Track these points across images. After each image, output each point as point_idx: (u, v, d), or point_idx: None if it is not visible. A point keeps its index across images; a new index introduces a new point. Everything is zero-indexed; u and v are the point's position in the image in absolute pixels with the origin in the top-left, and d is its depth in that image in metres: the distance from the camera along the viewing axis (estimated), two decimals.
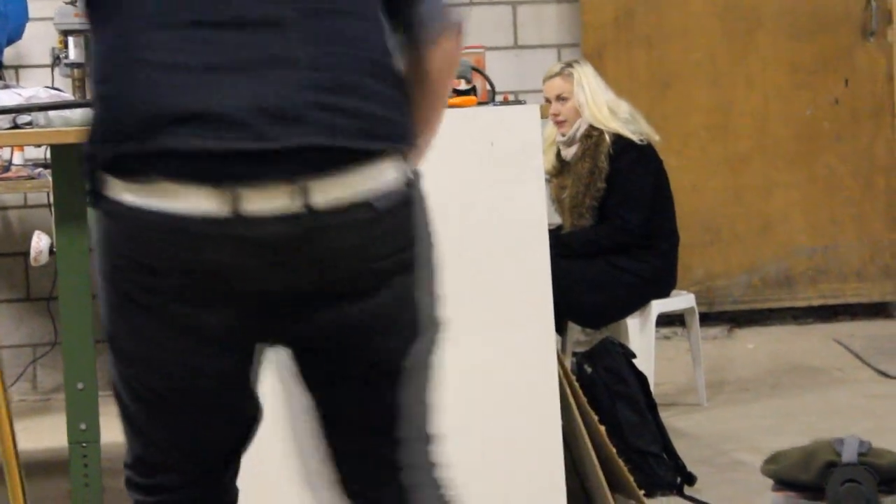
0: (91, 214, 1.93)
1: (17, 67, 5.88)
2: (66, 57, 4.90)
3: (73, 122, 3.23)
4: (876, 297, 6.46)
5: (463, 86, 3.56)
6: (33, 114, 3.35)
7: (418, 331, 1.97)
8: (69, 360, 3.35)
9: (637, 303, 4.90)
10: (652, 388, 4.36)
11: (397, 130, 1.90)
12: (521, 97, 4.47)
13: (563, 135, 5.00)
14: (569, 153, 5.00)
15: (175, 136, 1.78)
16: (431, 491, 2.04)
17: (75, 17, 4.72)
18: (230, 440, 2.02)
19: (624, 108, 4.98)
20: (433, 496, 2.04)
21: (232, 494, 2.07)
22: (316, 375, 1.97)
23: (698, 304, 5.23)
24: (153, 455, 2.00)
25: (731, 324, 6.35)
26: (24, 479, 3.27)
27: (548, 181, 4.92)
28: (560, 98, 4.99)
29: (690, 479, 4.10)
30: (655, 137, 4.99)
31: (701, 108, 6.32)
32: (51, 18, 4.98)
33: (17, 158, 4.93)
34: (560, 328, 4.83)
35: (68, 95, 3.55)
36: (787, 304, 6.42)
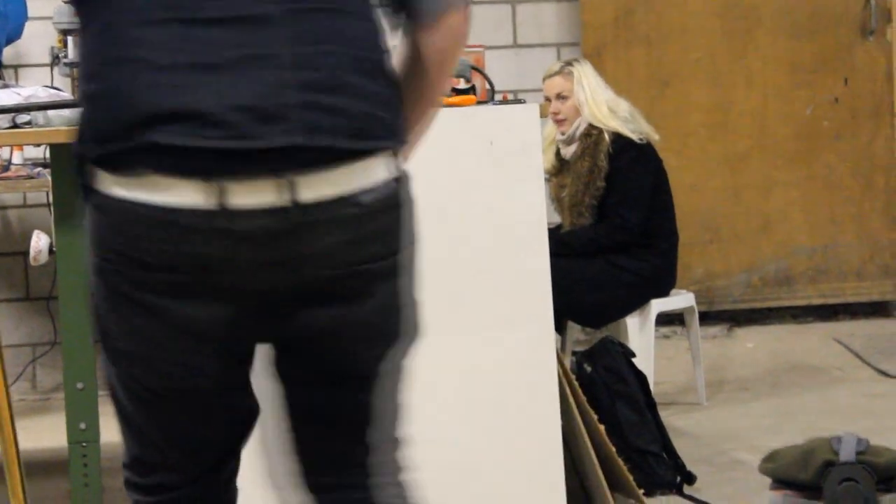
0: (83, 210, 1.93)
1: (16, 67, 5.88)
2: (66, 56, 4.90)
3: (73, 122, 3.23)
4: (875, 296, 6.46)
5: (462, 85, 3.56)
6: (32, 113, 3.35)
7: (398, 337, 1.98)
8: (69, 360, 3.34)
9: (637, 302, 4.90)
10: (651, 387, 4.36)
11: (387, 129, 1.89)
12: (520, 96, 4.47)
13: (563, 133, 5.00)
14: (568, 152, 5.00)
15: (161, 132, 1.78)
16: (396, 491, 2.04)
17: (74, 17, 4.72)
18: (226, 437, 2.01)
19: (623, 107, 4.98)
20: (398, 498, 2.04)
21: (232, 493, 2.07)
22: (292, 373, 1.96)
23: (698, 303, 5.23)
24: (150, 454, 1.99)
25: (731, 323, 6.35)
26: (24, 478, 3.27)
27: (547, 180, 4.92)
28: (560, 96, 4.99)
29: (690, 479, 4.10)
30: (655, 136, 4.99)
31: (700, 108, 6.32)
32: (50, 18, 4.99)
33: (17, 158, 4.93)
34: (559, 327, 4.83)
35: (67, 95, 3.54)
36: (787, 303, 6.41)
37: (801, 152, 6.36)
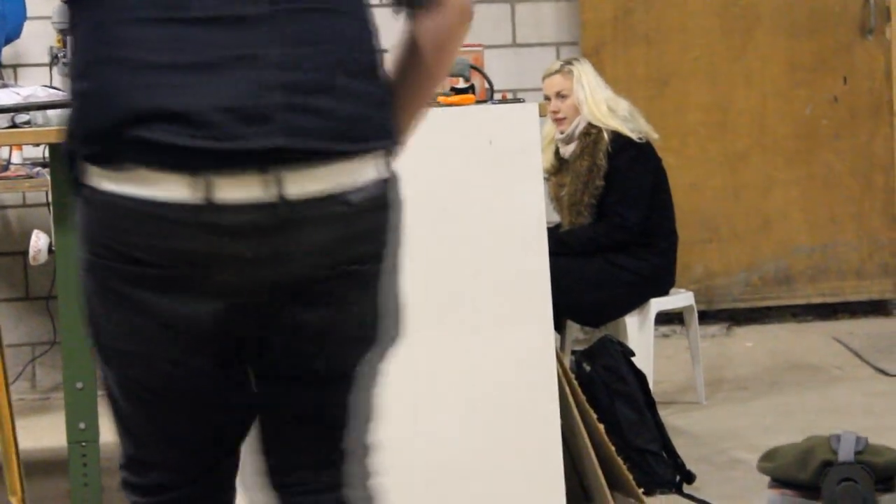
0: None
1: (15, 66, 5.88)
2: (65, 56, 4.89)
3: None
4: (875, 294, 6.46)
5: (461, 84, 3.57)
6: (32, 113, 3.35)
7: (380, 338, 1.97)
8: (68, 360, 3.34)
9: (636, 301, 4.90)
10: (651, 386, 4.36)
11: (377, 130, 1.89)
12: (519, 95, 4.47)
13: (562, 132, 5.00)
14: (567, 151, 5.01)
15: (149, 129, 1.78)
16: (364, 494, 2.05)
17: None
18: (222, 435, 2.01)
19: (623, 106, 4.99)
20: (366, 501, 2.04)
21: (231, 494, 2.07)
22: (273, 371, 1.96)
23: (697, 302, 5.23)
24: (145, 453, 1.99)
25: (730, 322, 6.35)
26: (23, 477, 3.27)
27: (546, 179, 4.92)
28: (560, 95, 4.99)
29: (689, 478, 4.10)
30: (654, 136, 4.99)
31: (699, 107, 6.32)
32: (49, 17, 4.98)
33: (16, 157, 4.93)
34: (559, 326, 4.83)
35: (66, 95, 3.54)
36: (786, 302, 6.41)
37: (800, 151, 6.36)
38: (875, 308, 6.47)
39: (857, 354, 5.79)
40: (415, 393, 3.42)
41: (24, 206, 5.98)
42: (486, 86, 3.66)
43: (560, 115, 4.98)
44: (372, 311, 1.94)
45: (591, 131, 4.93)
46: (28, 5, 4.99)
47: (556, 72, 5.04)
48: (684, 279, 5.81)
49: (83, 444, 3.33)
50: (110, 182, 1.81)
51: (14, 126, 3.37)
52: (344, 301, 1.91)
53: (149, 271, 1.83)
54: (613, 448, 3.77)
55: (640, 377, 4.22)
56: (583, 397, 3.75)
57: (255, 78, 1.80)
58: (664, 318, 5.62)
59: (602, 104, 4.94)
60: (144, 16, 1.82)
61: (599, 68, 5.31)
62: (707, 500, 3.94)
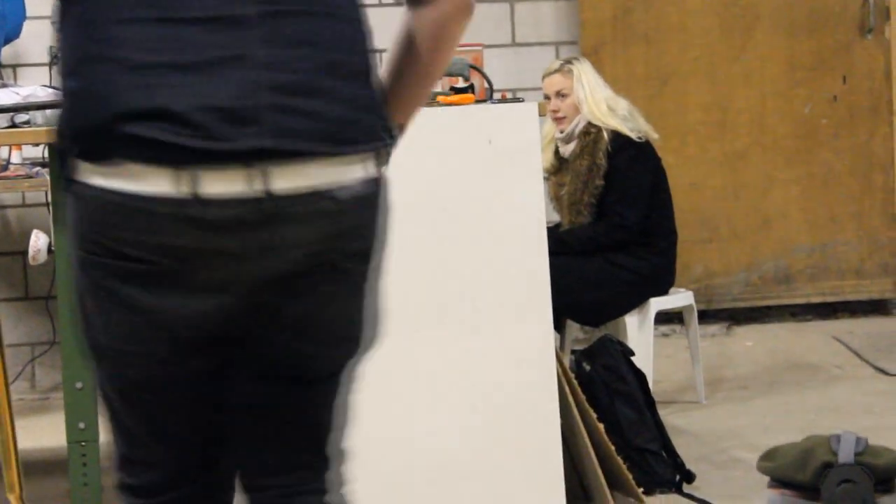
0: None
1: (14, 66, 5.88)
2: None
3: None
4: (875, 294, 6.46)
5: (461, 83, 3.57)
6: (31, 112, 3.35)
7: (360, 341, 1.97)
8: (68, 360, 3.34)
9: (636, 300, 4.91)
10: (650, 385, 4.36)
11: (364, 134, 1.88)
12: (519, 95, 4.48)
13: (562, 131, 5.01)
14: (567, 150, 5.01)
15: (137, 126, 1.78)
16: (339, 501, 2.04)
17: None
18: (214, 434, 2.01)
19: (622, 105, 4.99)
20: None
21: (231, 494, 2.06)
22: (257, 369, 1.96)
23: (697, 301, 5.23)
24: (138, 452, 2.00)
25: (730, 321, 6.35)
26: (22, 477, 3.27)
27: (546, 179, 4.92)
28: (560, 94, 4.99)
29: (689, 477, 4.10)
30: (654, 135, 4.99)
31: (699, 106, 6.32)
32: (49, 17, 4.98)
33: (16, 157, 4.93)
34: (558, 326, 4.83)
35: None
36: (786, 301, 6.42)
37: (799, 151, 6.37)
38: (875, 307, 6.47)
39: (856, 354, 5.79)
40: (415, 393, 3.42)
41: (24, 205, 5.98)
42: (486, 85, 3.66)
43: (560, 115, 4.98)
44: (358, 311, 1.95)
45: (591, 130, 4.93)
46: (28, 5, 4.99)
47: (556, 71, 5.04)
48: (684, 279, 5.81)
49: (83, 443, 3.33)
50: (100, 177, 1.82)
51: (14, 126, 3.36)
52: (331, 298, 1.91)
53: (137, 267, 1.83)
54: (613, 447, 3.77)
55: (640, 377, 4.22)
56: (583, 397, 3.75)
57: (244, 78, 1.80)
58: (664, 318, 5.62)
59: (602, 103, 4.94)
60: (135, 15, 1.82)
61: (599, 68, 5.31)
62: (707, 499, 3.94)
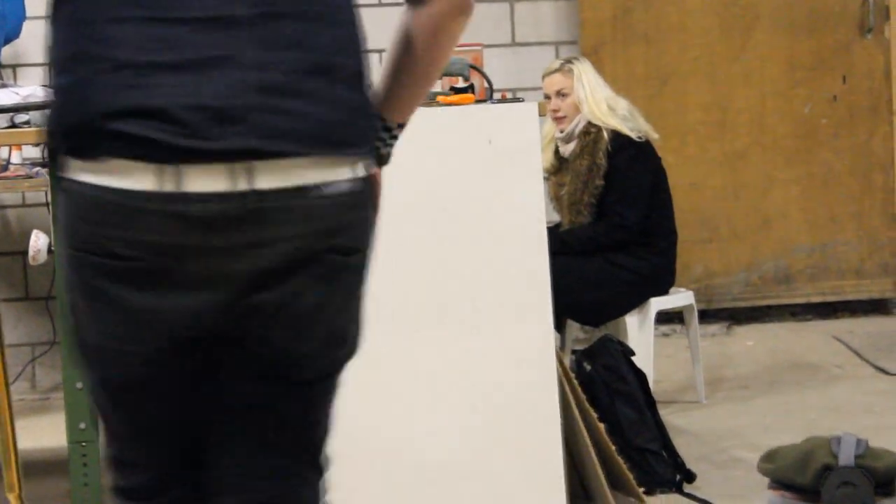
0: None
1: (14, 66, 5.88)
2: None
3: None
4: (875, 293, 6.46)
5: (461, 83, 3.56)
6: (31, 112, 3.35)
7: (346, 344, 1.97)
8: (68, 360, 3.34)
9: (636, 300, 4.91)
10: (651, 385, 4.36)
11: (351, 136, 1.88)
12: (519, 95, 4.48)
13: (562, 131, 5.01)
14: (567, 150, 5.01)
15: (124, 124, 1.79)
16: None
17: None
18: (202, 435, 2.00)
19: (622, 105, 4.99)
20: None
21: (222, 499, 2.05)
22: (247, 370, 1.95)
23: (697, 301, 5.23)
24: (128, 454, 2.00)
25: (730, 321, 6.35)
26: (22, 477, 3.27)
27: (546, 179, 4.92)
28: (560, 94, 4.99)
29: (690, 477, 4.10)
30: (654, 135, 4.99)
31: (699, 106, 6.32)
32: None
33: (16, 157, 4.93)
34: (559, 326, 4.83)
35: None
36: (786, 301, 6.41)
37: (799, 150, 6.36)
38: (875, 307, 6.47)
39: (857, 353, 5.79)
40: (415, 393, 3.42)
41: (24, 205, 5.98)
42: (486, 85, 3.66)
43: (560, 114, 4.98)
44: (346, 310, 1.95)
45: (591, 130, 4.93)
46: (28, 5, 4.99)
47: (556, 70, 5.04)
48: (684, 278, 5.81)
49: (83, 443, 3.33)
50: (88, 174, 1.82)
51: (13, 126, 3.37)
52: (320, 296, 1.90)
53: (125, 265, 1.84)
54: (614, 447, 3.77)
55: (641, 376, 4.22)
56: (583, 397, 3.75)
57: (232, 78, 1.80)
58: (664, 318, 5.62)
59: (602, 103, 4.94)
60: (126, 14, 1.83)
61: (599, 67, 5.31)
62: (707, 499, 3.94)
